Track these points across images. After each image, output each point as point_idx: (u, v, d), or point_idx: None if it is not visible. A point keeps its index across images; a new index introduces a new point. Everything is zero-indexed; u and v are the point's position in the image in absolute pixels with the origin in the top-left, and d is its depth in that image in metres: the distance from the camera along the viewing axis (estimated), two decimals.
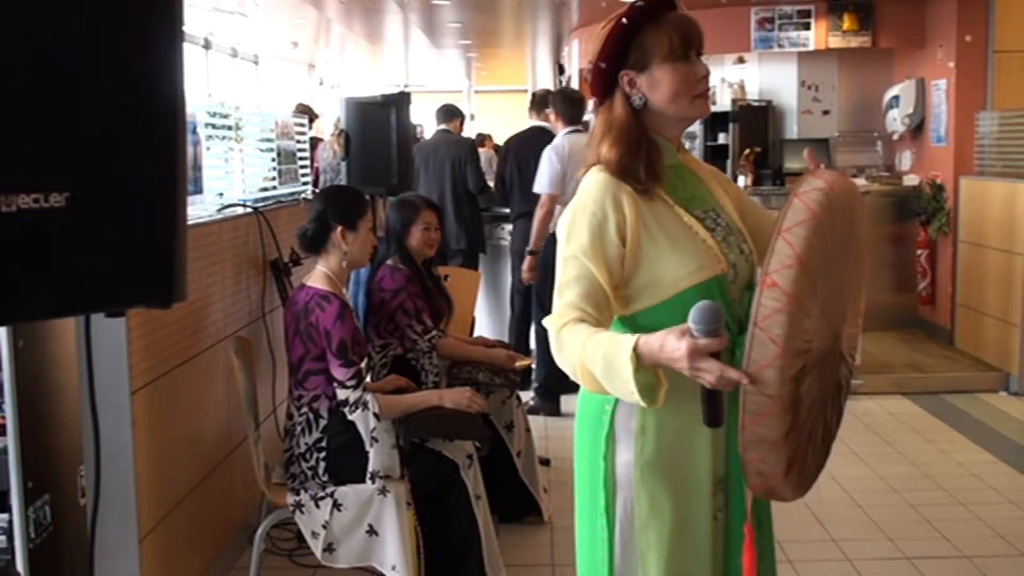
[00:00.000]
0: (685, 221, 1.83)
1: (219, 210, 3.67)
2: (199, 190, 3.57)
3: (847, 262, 1.76)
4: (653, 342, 1.60)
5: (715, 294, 1.79)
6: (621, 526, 1.87)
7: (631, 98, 1.85)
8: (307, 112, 6.87)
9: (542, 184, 5.31)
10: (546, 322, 1.80)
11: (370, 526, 2.94)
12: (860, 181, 7.35)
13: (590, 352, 1.68)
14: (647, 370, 1.61)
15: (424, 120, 10.88)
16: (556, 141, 5.46)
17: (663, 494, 1.84)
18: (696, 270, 1.80)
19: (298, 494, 2.98)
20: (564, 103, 5.60)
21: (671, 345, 1.57)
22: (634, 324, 1.84)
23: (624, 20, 1.82)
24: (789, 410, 1.60)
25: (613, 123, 1.86)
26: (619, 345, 1.63)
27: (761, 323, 1.57)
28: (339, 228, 3.13)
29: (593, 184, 1.83)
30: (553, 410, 5.46)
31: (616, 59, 1.84)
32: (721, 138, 8.53)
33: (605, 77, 1.86)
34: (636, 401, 1.65)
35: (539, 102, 6.13)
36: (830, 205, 1.65)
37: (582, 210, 1.81)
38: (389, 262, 3.73)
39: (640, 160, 1.82)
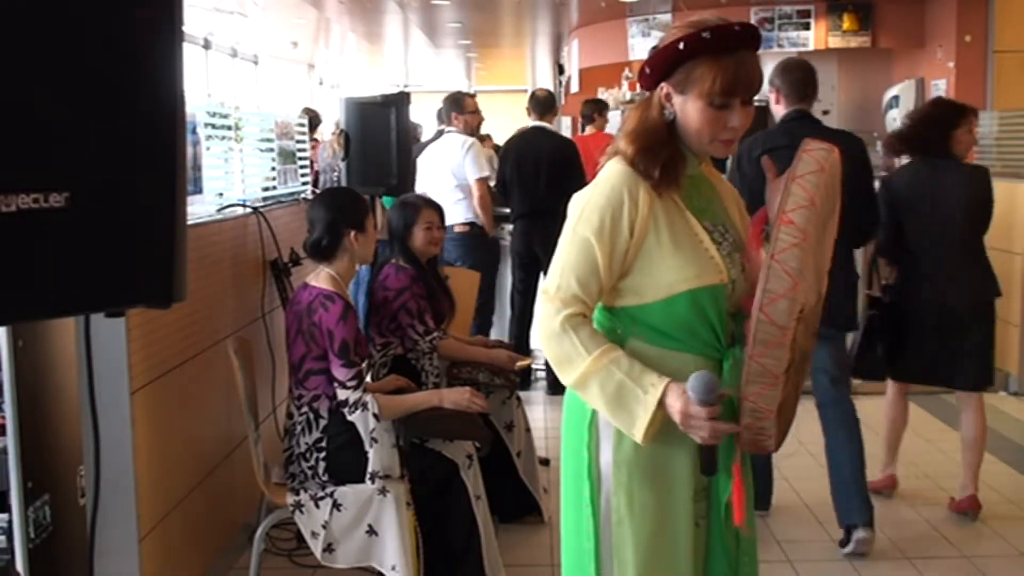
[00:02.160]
0: (693, 228, 1.85)
1: (219, 210, 3.67)
2: (199, 190, 3.57)
3: (828, 231, 1.87)
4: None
5: (708, 303, 1.83)
6: (604, 518, 1.88)
7: (664, 108, 1.87)
8: (314, 117, 6.84)
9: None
10: (546, 300, 1.83)
11: (370, 526, 2.94)
12: None
13: (604, 371, 1.78)
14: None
15: (424, 120, 10.88)
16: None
17: (642, 493, 1.86)
18: (694, 276, 1.82)
19: (298, 494, 2.98)
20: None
21: (668, 400, 1.75)
22: (622, 317, 1.88)
23: (681, 46, 1.80)
24: (791, 347, 1.73)
25: (642, 121, 1.89)
26: (641, 385, 1.77)
27: (778, 256, 1.70)
28: (352, 232, 3.14)
29: (615, 172, 1.86)
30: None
31: (662, 71, 1.85)
32: None
33: (649, 81, 1.89)
34: (631, 434, 1.78)
35: (542, 103, 6.12)
36: (832, 165, 1.80)
37: (600, 195, 1.84)
38: (393, 261, 3.73)
39: (657, 162, 1.84)
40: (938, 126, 4.01)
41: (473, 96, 6.18)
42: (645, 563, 1.86)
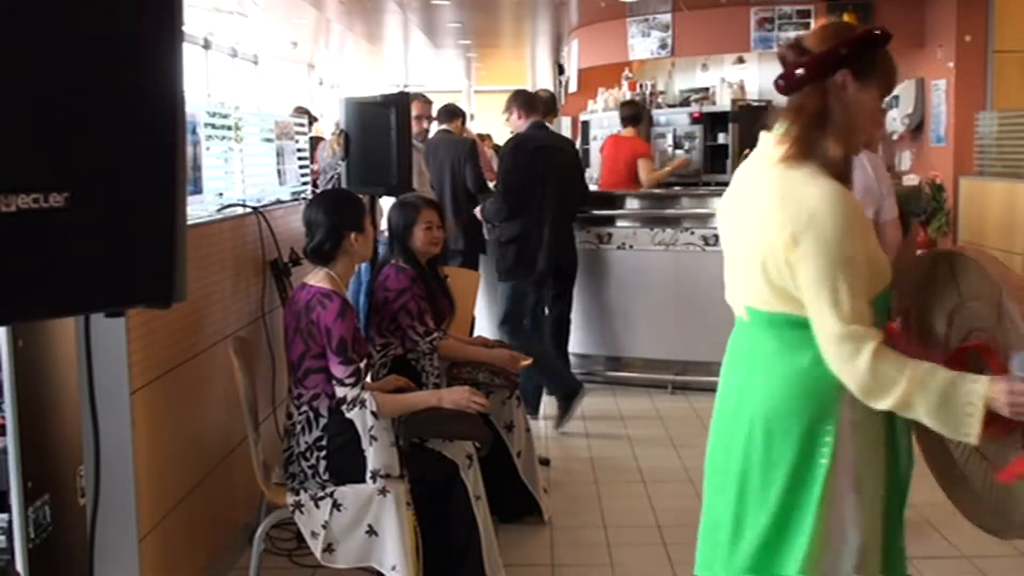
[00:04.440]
0: None
1: (219, 210, 3.67)
2: (199, 190, 3.57)
3: None
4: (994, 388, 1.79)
5: (887, 302, 1.96)
6: (833, 499, 1.95)
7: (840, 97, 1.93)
8: (306, 114, 6.85)
9: None
10: (844, 338, 1.83)
11: (370, 526, 2.94)
12: None
13: (921, 387, 1.81)
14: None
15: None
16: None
17: (867, 479, 1.99)
18: (883, 279, 1.94)
19: (298, 494, 2.98)
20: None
21: (993, 389, 1.78)
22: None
23: (877, 32, 1.94)
24: None
25: (837, 109, 1.92)
26: (963, 385, 1.81)
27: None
28: (352, 234, 3.14)
29: (829, 184, 1.87)
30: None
31: (849, 56, 1.91)
32: (720, 138, 8.53)
33: (829, 64, 1.91)
34: (963, 434, 1.81)
35: (544, 103, 6.12)
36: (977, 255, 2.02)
37: (854, 211, 1.87)
38: (393, 262, 3.73)
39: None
40: None
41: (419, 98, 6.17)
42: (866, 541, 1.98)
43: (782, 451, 1.96)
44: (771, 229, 1.88)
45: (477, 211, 5.79)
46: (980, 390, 1.78)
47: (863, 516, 1.97)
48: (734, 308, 2.12)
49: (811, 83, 1.92)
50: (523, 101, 5.60)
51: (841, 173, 1.90)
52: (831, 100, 1.91)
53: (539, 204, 5.37)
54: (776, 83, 2.00)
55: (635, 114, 7.40)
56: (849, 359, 1.83)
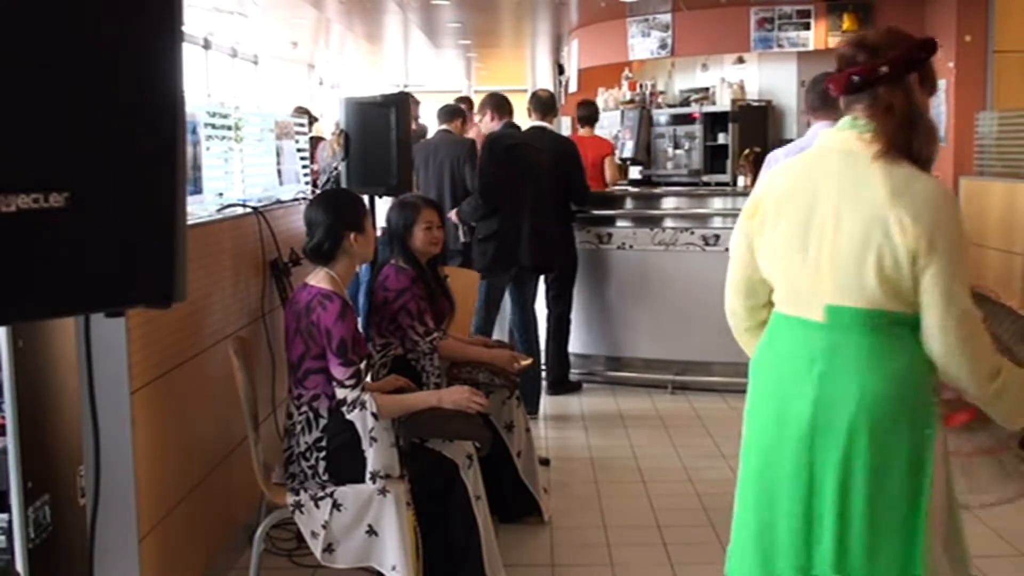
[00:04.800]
0: None
1: (219, 210, 3.67)
2: (199, 190, 3.57)
3: None
4: None
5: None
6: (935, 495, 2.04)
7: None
8: (306, 114, 6.80)
9: None
10: (972, 318, 1.98)
11: (370, 526, 2.94)
12: None
13: (1016, 374, 2.01)
14: None
15: (424, 120, 10.87)
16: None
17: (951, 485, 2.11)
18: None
19: (297, 494, 2.98)
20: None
21: None
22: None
23: (934, 40, 2.08)
24: None
25: (919, 108, 2.02)
26: None
27: None
28: (351, 234, 3.14)
29: (937, 184, 2.00)
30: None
31: (920, 60, 2.04)
32: (720, 138, 8.53)
33: (909, 65, 2.02)
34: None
35: (544, 103, 6.12)
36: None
37: (952, 206, 1.99)
38: (393, 262, 3.72)
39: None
40: None
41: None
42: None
43: (895, 452, 2.00)
44: (891, 226, 1.93)
45: (452, 214, 5.76)
46: None
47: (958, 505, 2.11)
48: (794, 309, 2.10)
49: (889, 83, 2.00)
50: (495, 104, 5.77)
51: (929, 170, 2.01)
52: (913, 99, 2.00)
53: (516, 200, 5.41)
54: (849, 79, 2.05)
55: (591, 115, 7.43)
56: (979, 336, 1.97)
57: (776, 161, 4.56)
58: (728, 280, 2.28)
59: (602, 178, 7.21)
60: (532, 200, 5.45)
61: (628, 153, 9.05)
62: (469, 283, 4.80)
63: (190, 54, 11.36)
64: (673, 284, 6.04)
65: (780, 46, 8.27)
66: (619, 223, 6.28)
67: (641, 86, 9.62)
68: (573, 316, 6.04)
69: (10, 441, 1.89)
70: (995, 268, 6.11)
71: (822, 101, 4.01)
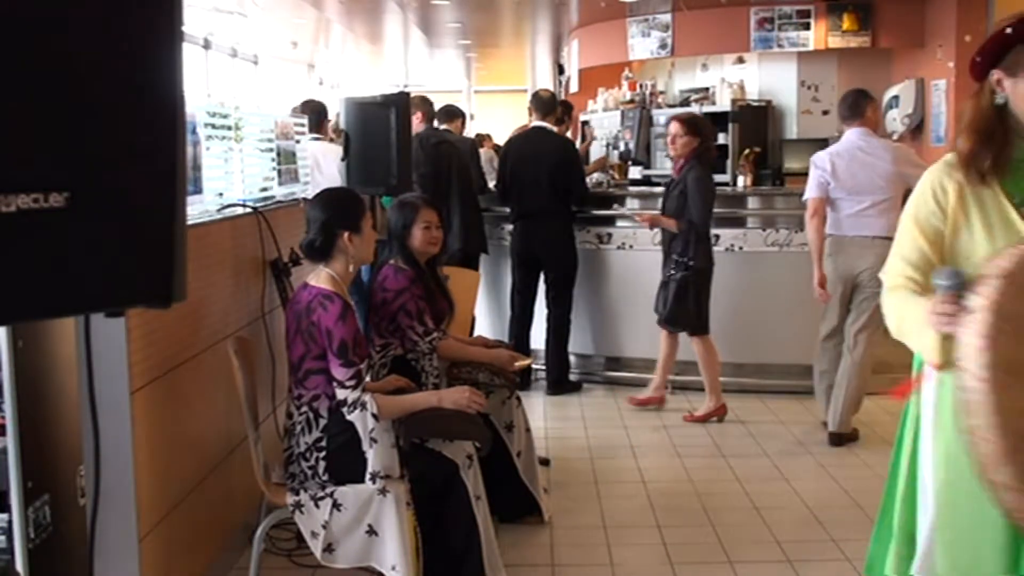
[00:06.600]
0: (1008, 214, 2.02)
1: (219, 210, 3.67)
2: (199, 190, 3.56)
3: None
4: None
5: None
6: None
7: (995, 94, 2.05)
8: (318, 111, 6.48)
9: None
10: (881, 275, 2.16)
11: (370, 526, 2.94)
12: None
13: (901, 312, 2.08)
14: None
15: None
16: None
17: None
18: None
19: (298, 494, 2.98)
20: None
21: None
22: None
23: (1008, 30, 2.01)
24: None
25: (975, 113, 2.07)
26: (918, 309, 1.98)
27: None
28: (346, 234, 3.12)
29: (934, 167, 2.12)
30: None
31: (992, 58, 2.05)
32: (720, 138, 8.51)
33: (980, 70, 2.07)
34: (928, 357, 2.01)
35: (545, 104, 6.11)
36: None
37: (920, 185, 2.13)
38: (392, 262, 3.72)
39: (990, 151, 2.02)
40: None
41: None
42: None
43: None
44: None
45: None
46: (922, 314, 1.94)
47: None
48: None
49: None
50: (424, 105, 6.20)
51: None
52: None
53: (445, 193, 5.80)
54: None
55: (562, 115, 7.46)
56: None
57: (822, 162, 4.91)
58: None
59: None
60: (459, 192, 5.88)
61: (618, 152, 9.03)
62: (469, 283, 4.80)
63: (190, 54, 11.35)
64: None
65: (780, 46, 8.27)
66: (619, 223, 6.28)
67: (641, 86, 9.61)
68: (573, 316, 6.05)
69: (10, 441, 1.88)
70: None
71: (851, 112, 4.92)
